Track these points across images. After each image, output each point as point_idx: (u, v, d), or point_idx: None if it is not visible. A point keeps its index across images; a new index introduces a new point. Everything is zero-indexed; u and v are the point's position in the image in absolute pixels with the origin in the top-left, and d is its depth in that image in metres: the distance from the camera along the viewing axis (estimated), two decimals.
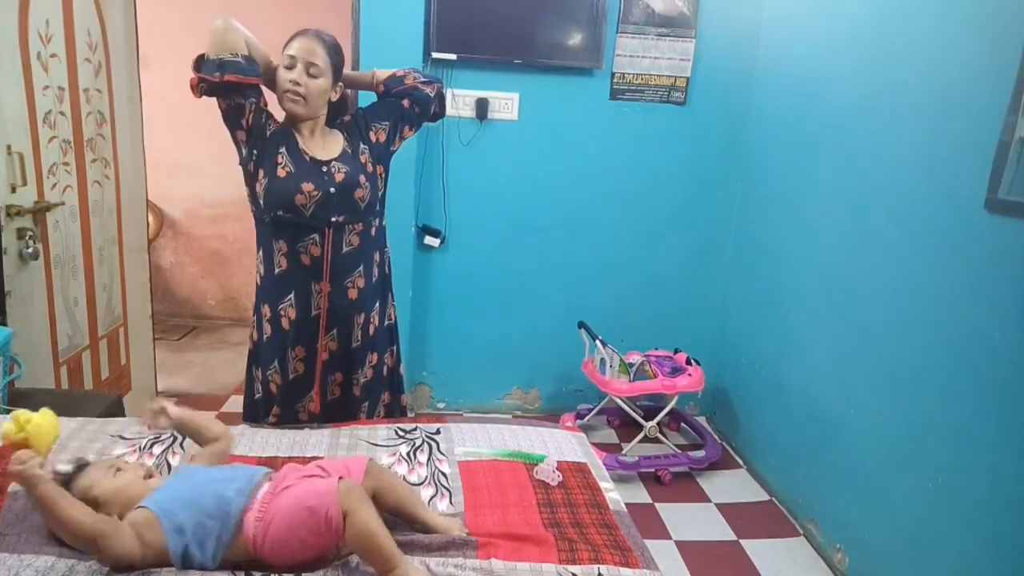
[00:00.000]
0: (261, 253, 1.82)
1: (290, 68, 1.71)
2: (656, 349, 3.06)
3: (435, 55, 2.81)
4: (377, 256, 1.89)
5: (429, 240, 3.05)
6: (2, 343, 1.78)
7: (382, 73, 1.88)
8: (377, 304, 1.91)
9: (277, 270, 1.79)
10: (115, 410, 2.03)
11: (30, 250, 2.06)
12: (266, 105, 1.77)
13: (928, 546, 1.90)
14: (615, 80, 3.00)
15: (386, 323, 1.96)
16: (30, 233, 2.08)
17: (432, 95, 1.89)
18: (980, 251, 1.76)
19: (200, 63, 1.69)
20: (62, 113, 2.26)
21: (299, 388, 1.85)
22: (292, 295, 1.79)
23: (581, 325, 2.95)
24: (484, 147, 3.01)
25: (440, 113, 1.97)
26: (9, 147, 1.98)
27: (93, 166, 2.50)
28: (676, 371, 2.87)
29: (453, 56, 2.83)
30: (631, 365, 2.83)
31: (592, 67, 2.95)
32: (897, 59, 2.12)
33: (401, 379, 2.05)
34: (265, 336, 1.85)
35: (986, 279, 1.74)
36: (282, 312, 1.81)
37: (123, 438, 1.58)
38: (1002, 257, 1.69)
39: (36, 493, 1.12)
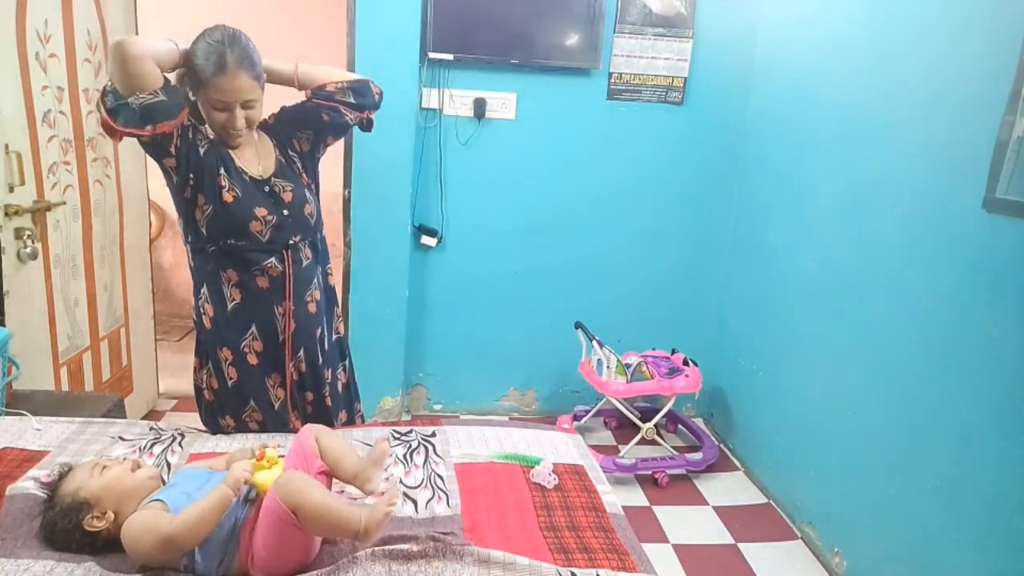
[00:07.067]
0: (205, 290, 1.65)
1: (222, 110, 1.53)
2: (653, 349, 3.06)
3: (432, 55, 2.82)
4: (323, 267, 1.78)
5: (426, 240, 3.05)
6: (0, 344, 1.78)
7: (307, 74, 1.70)
8: (325, 318, 1.80)
9: (230, 305, 1.63)
10: (117, 412, 2.02)
11: (28, 250, 2.06)
12: (189, 120, 1.55)
13: (927, 550, 1.90)
14: (612, 80, 3.00)
15: (335, 337, 1.86)
16: (28, 232, 2.08)
17: (351, 123, 1.74)
18: (978, 250, 1.77)
19: (109, 102, 1.43)
20: (62, 112, 2.27)
21: (282, 416, 1.73)
22: (254, 327, 1.64)
23: (578, 325, 2.95)
24: (482, 147, 3.01)
25: (366, 130, 1.81)
26: (7, 147, 1.99)
27: (94, 165, 2.50)
28: (673, 372, 2.87)
29: (450, 56, 2.83)
30: (628, 366, 2.83)
31: (589, 67, 2.95)
32: (895, 58, 2.12)
33: (357, 395, 1.96)
34: (230, 382, 1.68)
35: (984, 278, 1.74)
36: (246, 349, 1.66)
37: (123, 439, 1.58)
38: (1000, 256, 1.69)
39: (224, 491, 1.13)
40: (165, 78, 1.48)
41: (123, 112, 1.43)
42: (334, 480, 1.35)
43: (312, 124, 1.71)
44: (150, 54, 1.43)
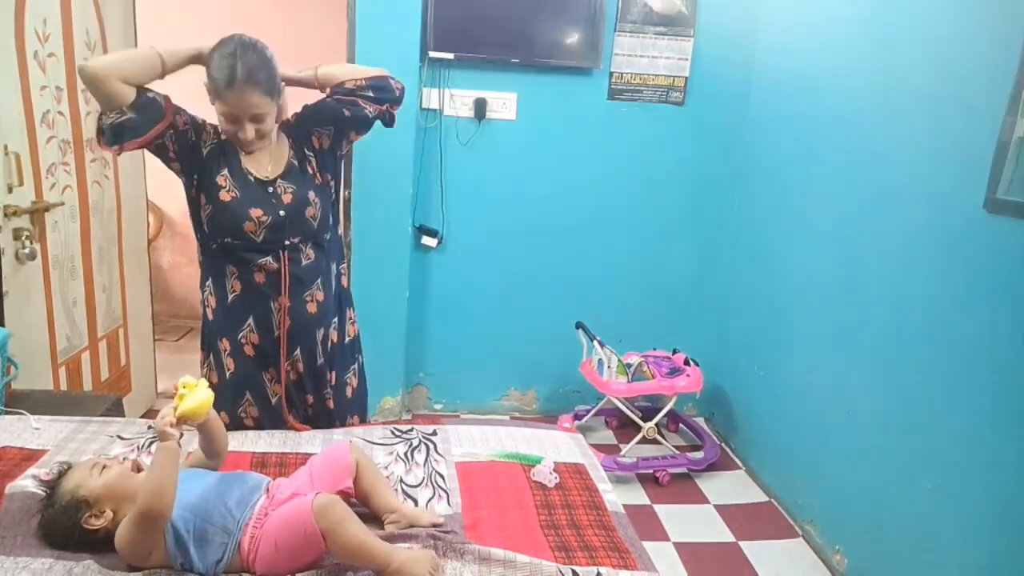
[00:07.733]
0: (210, 282, 1.69)
1: (232, 122, 1.55)
2: (654, 349, 3.05)
3: (432, 54, 2.81)
4: (334, 268, 1.76)
5: (426, 240, 3.05)
6: None
7: (326, 74, 1.71)
8: (336, 319, 1.78)
9: (231, 296, 1.66)
10: (115, 412, 2.01)
11: (27, 250, 2.06)
12: (185, 124, 1.58)
13: (927, 547, 1.89)
14: (613, 80, 2.99)
15: (346, 340, 1.83)
16: (27, 233, 2.07)
17: (372, 115, 1.72)
18: (979, 251, 1.76)
19: (99, 124, 1.52)
20: (61, 113, 2.26)
21: (279, 412, 1.73)
22: (251, 319, 1.66)
23: (579, 325, 2.95)
24: (482, 147, 3.01)
25: (388, 125, 1.80)
26: (6, 147, 1.98)
27: (93, 166, 2.50)
28: (674, 371, 2.87)
29: (451, 55, 2.83)
30: (629, 366, 2.83)
31: (590, 67, 2.95)
32: (895, 58, 2.12)
33: (366, 399, 1.95)
34: (228, 373, 1.69)
35: (985, 279, 1.74)
36: (243, 340, 1.67)
37: (122, 438, 1.57)
38: (1001, 257, 1.69)
39: (163, 445, 1.15)
40: (139, 91, 1.50)
41: (104, 132, 1.53)
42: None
43: (332, 120, 1.71)
44: (114, 74, 1.47)
